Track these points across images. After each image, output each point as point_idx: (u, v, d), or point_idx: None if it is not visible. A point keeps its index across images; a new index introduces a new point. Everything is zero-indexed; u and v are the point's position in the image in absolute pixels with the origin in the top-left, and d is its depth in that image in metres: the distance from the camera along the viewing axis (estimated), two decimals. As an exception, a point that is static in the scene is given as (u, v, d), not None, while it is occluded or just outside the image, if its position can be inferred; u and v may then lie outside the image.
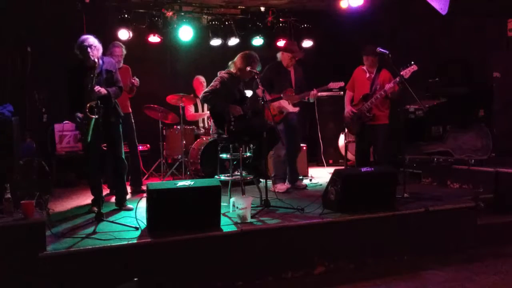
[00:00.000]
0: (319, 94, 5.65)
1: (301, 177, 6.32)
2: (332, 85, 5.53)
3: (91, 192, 4.59)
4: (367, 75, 5.44)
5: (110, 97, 4.34)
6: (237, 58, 4.89)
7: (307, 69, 6.00)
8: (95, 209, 4.25)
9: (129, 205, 4.62)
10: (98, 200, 4.28)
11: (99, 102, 4.04)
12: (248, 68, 4.76)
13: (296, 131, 5.61)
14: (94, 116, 3.97)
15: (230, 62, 4.96)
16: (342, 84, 5.61)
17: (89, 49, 4.17)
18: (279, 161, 5.56)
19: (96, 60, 4.17)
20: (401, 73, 4.86)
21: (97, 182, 4.49)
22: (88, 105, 3.98)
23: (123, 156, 4.64)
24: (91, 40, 4.26)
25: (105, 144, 4.68)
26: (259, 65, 4.87)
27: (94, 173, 4.51)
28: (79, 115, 4.17)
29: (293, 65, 5.63)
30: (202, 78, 7.04)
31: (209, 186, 3.79)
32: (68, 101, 4.37)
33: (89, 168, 4.52)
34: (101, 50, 4.37)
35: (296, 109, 5.52)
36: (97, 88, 4.14)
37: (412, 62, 4.87)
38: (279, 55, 5.64)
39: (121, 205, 4.61)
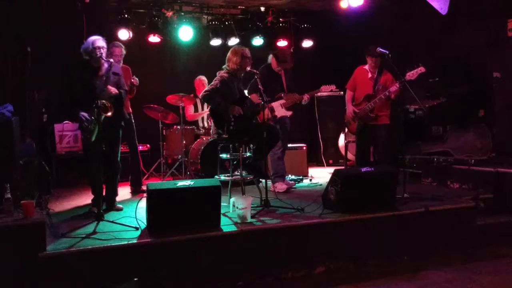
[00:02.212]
0: (319, 94, 5.65)
1: (301, 177, 6.39)
2: (324, 88, 5.53)
3: (92, 192, 4.59)
4: (369, 75, 5.43)
5: (122, 98, 4.43)
6: (229, 55, 4.91)
7: (307, 68, 6.00)
8: (95, 209, 4.25)
9: (119, 205, 4.66)
10: (98, 200, 4.28)
11: (108, 102, 4.10)
12: (248, 68, 4.79)
13: (287, 132, 5.73)
14: (108, 114, 4.03)
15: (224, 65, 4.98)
16: (333, 87, 5.60)
17: (98, 51, 4.22)
18: (277, 159, 5.60)
19: (104, 62, 4.20)
20: (408, 74, 4.85)
21: (97, 182, 4.47)
22: (101, 103, 4.02)
23: (119, 159, 4.65)
24: (101, 42, 4.29)
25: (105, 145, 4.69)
26: (249, 59, 4.89)
27: (95, 172, 4.51)
28: (85, 114, 4.18)
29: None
30: (204, 79, 7.03)
31: (209, 186, 3.79)
32: (67, 99, 4.37)
33: (90, 168, 4.52)
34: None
35: (289, 113, 5.56)
36: (111, 88, 4.19)
37: (420, 64, 4.85)
38: (270, 57, 5.67)
39: (111, 206, 4.61)
